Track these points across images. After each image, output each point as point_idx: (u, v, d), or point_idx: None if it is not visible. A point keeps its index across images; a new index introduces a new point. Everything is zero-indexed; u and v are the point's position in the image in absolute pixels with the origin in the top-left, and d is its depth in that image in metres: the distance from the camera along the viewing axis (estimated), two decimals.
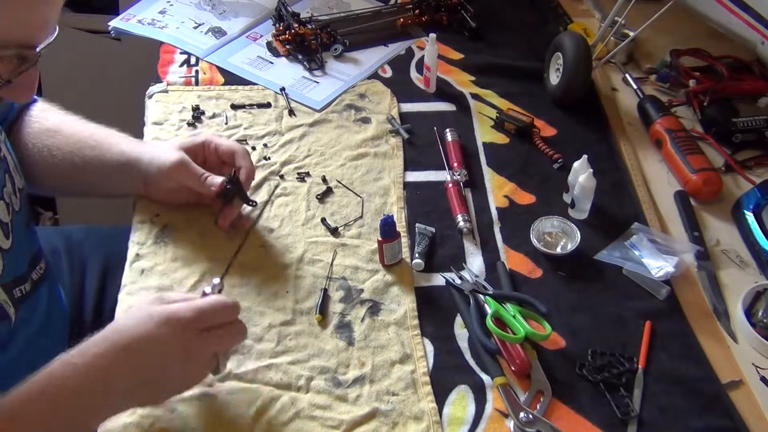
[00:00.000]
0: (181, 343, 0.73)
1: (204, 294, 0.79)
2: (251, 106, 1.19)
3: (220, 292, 0.80)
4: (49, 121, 1.02)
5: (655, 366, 0.88)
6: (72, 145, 0.99)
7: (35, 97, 1.07)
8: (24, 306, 0.91)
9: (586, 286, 0.97)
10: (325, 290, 0.93)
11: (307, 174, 1.08)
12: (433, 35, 1.21)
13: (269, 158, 1.10)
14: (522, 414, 0.81)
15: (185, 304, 0.75)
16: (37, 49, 0.74)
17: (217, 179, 0.95)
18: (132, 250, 0.96)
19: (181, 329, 0.73)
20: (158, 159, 0.96)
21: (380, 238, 0.94)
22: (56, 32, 0.75)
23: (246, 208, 1.01)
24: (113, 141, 0.99)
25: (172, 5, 1.39)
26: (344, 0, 1.45)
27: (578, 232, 1.01)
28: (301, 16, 1.33)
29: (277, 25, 1.34)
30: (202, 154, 0.99)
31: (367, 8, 1.41)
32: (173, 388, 0.77)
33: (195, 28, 1.34)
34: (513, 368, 0.86)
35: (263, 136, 1.14)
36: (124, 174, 0.98)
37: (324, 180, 1.08)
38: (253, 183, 1.06)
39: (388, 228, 0.93)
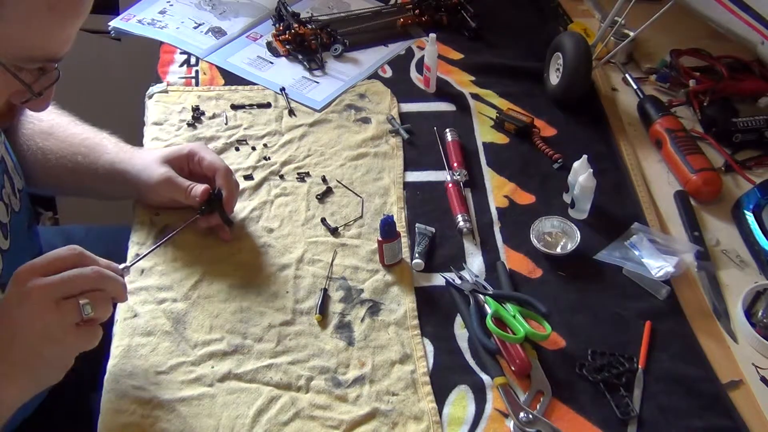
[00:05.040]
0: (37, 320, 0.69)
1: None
2: (251, 106, 1.19)
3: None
4: (43, 122, 1.01)
5: (655, 366, 0.88)
6: (64, 149, 0.99)
7: None
8: None
9: (586, 286, 0.97)
10: (325, 290, 0.93)
11: (307, 174, 1.08)
12: (433, 35, 1.21)
13: (269, 158, 1.10)
14: (522, 414, 0.81)
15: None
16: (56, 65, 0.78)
17: (200, 188, 0.94)
18: (132, 250, 0.96)
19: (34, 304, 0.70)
20: (144, 173, 0.96)
21: (380, 238, 0.94)
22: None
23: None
24: (103, 149, 0.99)
25: (172, 5, 1.39)
26: (344, 0, 1.45)
27: (578, 232, 1.01)
28: (301, 16, 1.33)
29: (277, 25, 1.34)
30: (187, 165, 0.98)
31: (367, 8, 1.41)
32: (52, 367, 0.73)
33: (195, 28, 1.34)
34: (513, 368, 0.85)
35: (263, 136, 1.14)
36: (114, 182, 0.98)
37: (324, 180, 1.08)
38: (253, 183, 1.06)
39: (388, 228, 0.93)
